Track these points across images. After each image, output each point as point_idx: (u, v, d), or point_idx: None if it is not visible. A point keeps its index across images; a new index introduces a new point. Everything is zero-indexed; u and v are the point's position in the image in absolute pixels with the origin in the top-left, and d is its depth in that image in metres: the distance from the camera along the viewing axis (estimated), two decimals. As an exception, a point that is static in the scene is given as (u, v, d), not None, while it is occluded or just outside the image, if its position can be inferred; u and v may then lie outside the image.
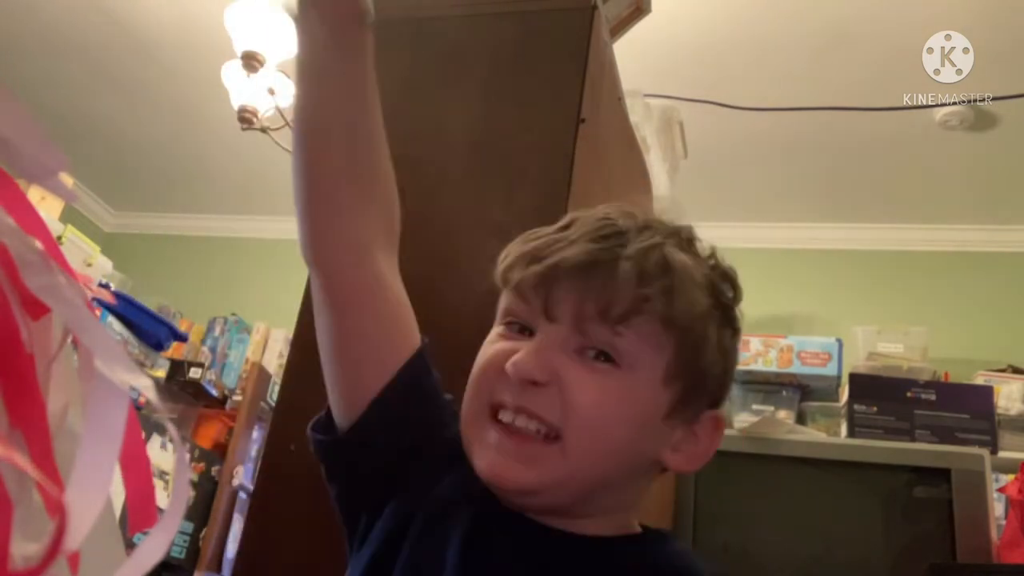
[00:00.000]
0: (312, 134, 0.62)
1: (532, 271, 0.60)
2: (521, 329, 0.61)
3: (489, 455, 0.59)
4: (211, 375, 2.72)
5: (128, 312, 2.39)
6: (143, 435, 1.76)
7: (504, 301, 0.63)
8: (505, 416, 0.58)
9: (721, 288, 0.65)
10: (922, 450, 1.98)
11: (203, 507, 2.46)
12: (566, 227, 0.62)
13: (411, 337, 0.66)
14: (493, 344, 0.62)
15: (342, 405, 0.64)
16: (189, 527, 2.41)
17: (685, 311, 0.60)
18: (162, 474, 2.24)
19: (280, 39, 2.36)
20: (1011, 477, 2.06)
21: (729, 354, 0.66)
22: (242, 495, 2.54)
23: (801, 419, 2.65)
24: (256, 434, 2.63)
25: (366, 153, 0.63)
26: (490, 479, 0.59)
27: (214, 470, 2.52)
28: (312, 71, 0.62)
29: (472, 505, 0.61)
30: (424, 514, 0.62)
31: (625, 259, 0.58)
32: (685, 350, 0.60)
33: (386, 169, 0.65)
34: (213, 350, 3.19)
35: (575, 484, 0.59)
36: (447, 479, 0.63)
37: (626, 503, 0.63)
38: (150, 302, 2.63)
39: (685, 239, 0.63)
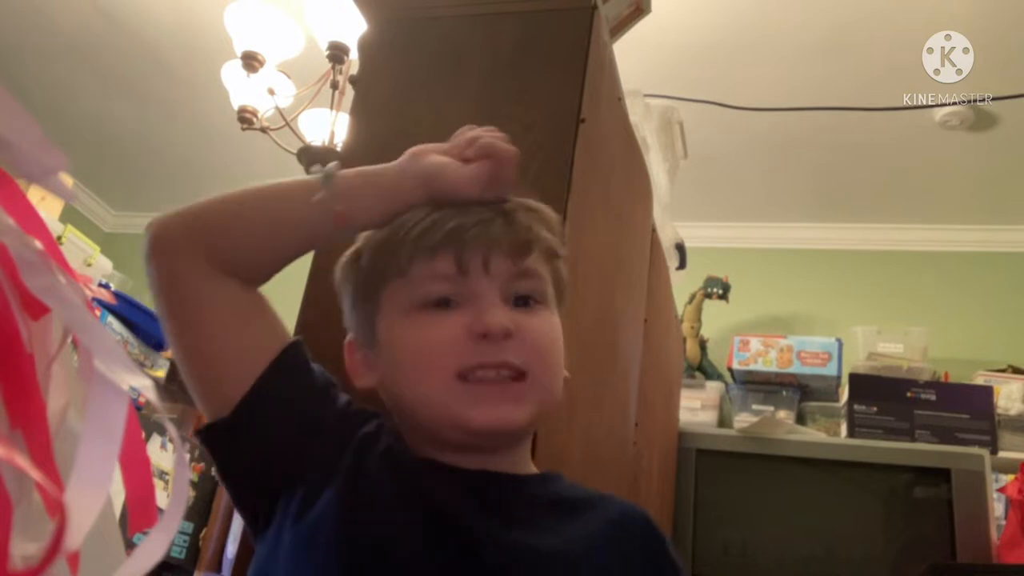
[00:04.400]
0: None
1: (431, 243, 0.67)
2: (439, 306, 0.67)
3: (486, 409, 0.65)
4: (211, 375, 2.71)
5: (128, 312, 2.38)
6: (143, 435, 1.76)
7: (402, 293, 0.68)
8: (487, 374, 0.65)
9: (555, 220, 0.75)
10: (922, 450, 1.98)
11: (203, 507, 2.45)
12: (430, 212, 0.69)
13: (276, 330, 0.69)
14: (426, 325, 0.67)
15: (214, 397, 0.66)
16: (189, 527, 2.40)
17: (557, 243, 0.73)
18: (162, 474, 2.24)
19: (280, 39, 2.36)
20: (1011, 477, 2.06)
21: (566, 278, 0.76)
22: (242, 495, 2.54)
23: (801, 419, 2.65)
24: (256, 434, 2.63)
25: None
26: (495, 426, 0.65)
27: (214, 470, 2.51)
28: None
29: (414, 467, 0.67)
30: (351, 484, 0.64)
31: (511, 213, 0.70)
32: (558, 275, 0.73)
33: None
34: (213, 350, 3.19)
35: (542, 410, 0.68)
36: (355, 454, 0.66)
37: (531, 435, 0.74)
38: (150, 302, 2.63)
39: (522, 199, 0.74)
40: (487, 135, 0.71)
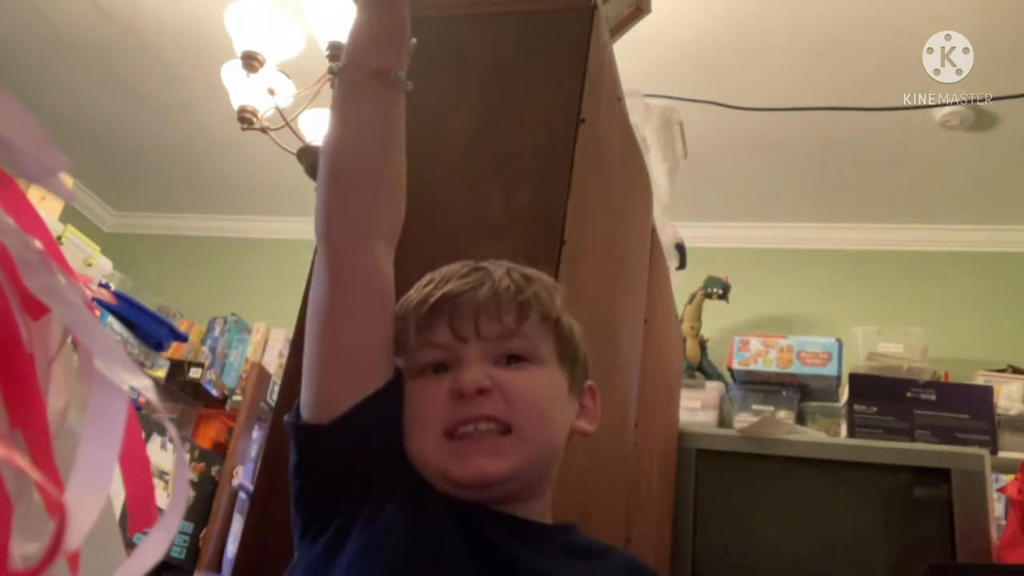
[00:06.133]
0: (346, 144, 0.74)
1: (426, 313, 0.73)
2: (436, 370, 0.72)
3: (466, 463, 0.69)
4: (211, 375, 2.72)
5: (128, 312, 2.39)
6: (143, 435, 1.76)
7: (411, 362, 0.74)
8: (467, 428, 0.70)
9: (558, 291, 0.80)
10: (922, 450, 1.99)
11: (203, 507, 2.45)
12: (429, 283, 0.76)
13: (389, 350, 0.74)
14: (424, 391, 0.72)
15: (324, 397, 0.70)
16: (189, 527, 2.41)
17: (553, 307, 0.76)
18: (162, 474, 2.24)
19: (280, 39, 2.36)
20: (1011, 477, 2.06)
21: (582, 339, 0.80)
22: (242, 495, 2.54)
23: (801, 419, 2.65)
24: (256, 434, 2.63)
25: (389, 167, 0.75)
26: (475, 480, 0.69)
27: (214, 470, 2.52)
28: (352, 109, 0.75)
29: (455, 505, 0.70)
30: (416, 499, 0.69)
31: (499, 279, 0.74)
32: (561, 337, 0.76)
33: (401, 174, 0.76)
34: (213, 350, 3.19)
35: (532, 464, 0.71)
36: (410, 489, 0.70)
37: (549, 488, 0.77)
38: (150, 302, 2.63)
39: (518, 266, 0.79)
40: None
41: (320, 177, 0.73)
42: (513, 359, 0.73)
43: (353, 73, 0.74)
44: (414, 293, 0.76)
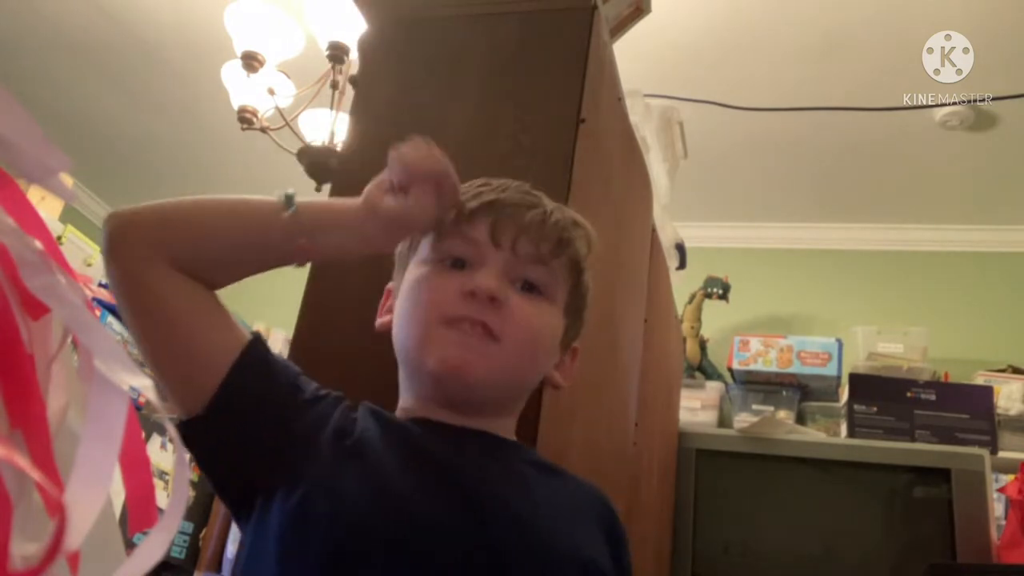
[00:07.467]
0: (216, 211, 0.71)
1: (473, 208, 0.74)
2: (453, 265, 0.73)
3: (450, 353, 0.69)
4: (211, 375, 2.71)
5: (128, 312, 2.38)
6: (143, 435, 1.76)
7: (436, 242, 0.74)
8: (463, 325, 0.70)
9: (595, 247, 0.80)
10: (922, 450, 1.99)
11: (203, 507, 2.45)
12: (485, 184, 0.77)
13: (236, 325, 0.71)
14: (433, 278, 0.73)
15: (186, 394, 0.67)
16: (189, 527, 2.40)
17: (585, 260, 0.77)
18: (162, 474, 2.24)
19: (280, 39, 2.36)
20: (1011, 477, 2.06)
21: (592, 302, 0.81)
22: (242, 495, 2.53)
23: (801, 419, 2.65)
24: (256, 434, 2.62)
25: (238, 252, 0.73)
26: (453, 371, 0.69)
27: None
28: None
29: (395, 424, 0.71)
30: (337, 457, 0.67)
31: (551, 210, 0.76)
32: (577, 289, 0.78)
33: (237, 270, 0.74)
34: (213, 350, 3.19)
35: (506, 381, 0.72)
36: (336, 430, 0.69)
37: (516, 411, 0.78)
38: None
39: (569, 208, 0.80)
40: (410, 153, 0.71)
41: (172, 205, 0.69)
42: (528, 286, 0.73)
43: (292, 216, 0.70)
44: (467, 188, 0.76)
